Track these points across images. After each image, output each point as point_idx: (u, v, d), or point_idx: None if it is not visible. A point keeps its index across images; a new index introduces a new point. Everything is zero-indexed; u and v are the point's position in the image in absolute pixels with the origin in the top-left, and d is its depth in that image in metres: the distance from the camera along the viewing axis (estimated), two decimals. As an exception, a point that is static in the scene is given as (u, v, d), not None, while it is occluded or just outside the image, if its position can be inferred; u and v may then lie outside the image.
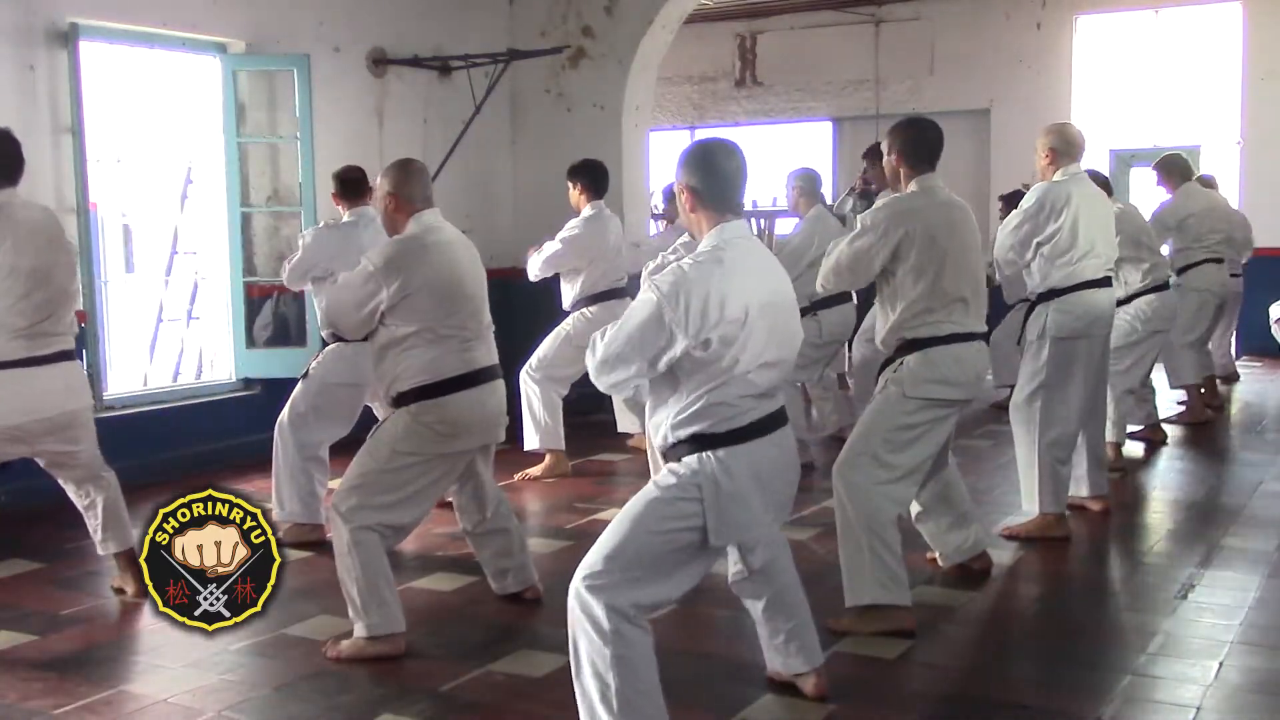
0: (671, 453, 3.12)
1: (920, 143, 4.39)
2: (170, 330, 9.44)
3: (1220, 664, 3.90)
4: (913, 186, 4.36)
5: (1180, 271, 7.89)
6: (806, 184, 7.06)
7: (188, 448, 6.81)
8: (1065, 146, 5.35)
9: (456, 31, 8.65)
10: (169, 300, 9.50)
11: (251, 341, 7.39)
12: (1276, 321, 9.80)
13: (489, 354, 4.32)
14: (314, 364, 5.49)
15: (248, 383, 7.41)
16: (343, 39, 7.90)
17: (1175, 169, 7.96)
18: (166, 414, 6.97)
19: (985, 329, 4.46)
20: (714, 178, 3.11)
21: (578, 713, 3.05)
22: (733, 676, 3.83)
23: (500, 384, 4.36)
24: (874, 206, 4.49)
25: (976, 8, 12.46)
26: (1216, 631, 4.21)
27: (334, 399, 5.37)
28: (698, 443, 3.06)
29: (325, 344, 5.53)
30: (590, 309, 6.72)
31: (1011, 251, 5.37)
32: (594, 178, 6.78)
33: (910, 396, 4.23)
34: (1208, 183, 8.91)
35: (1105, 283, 5.43)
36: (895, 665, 3.95)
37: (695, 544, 3.07)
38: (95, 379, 6.55)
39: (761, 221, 12.86)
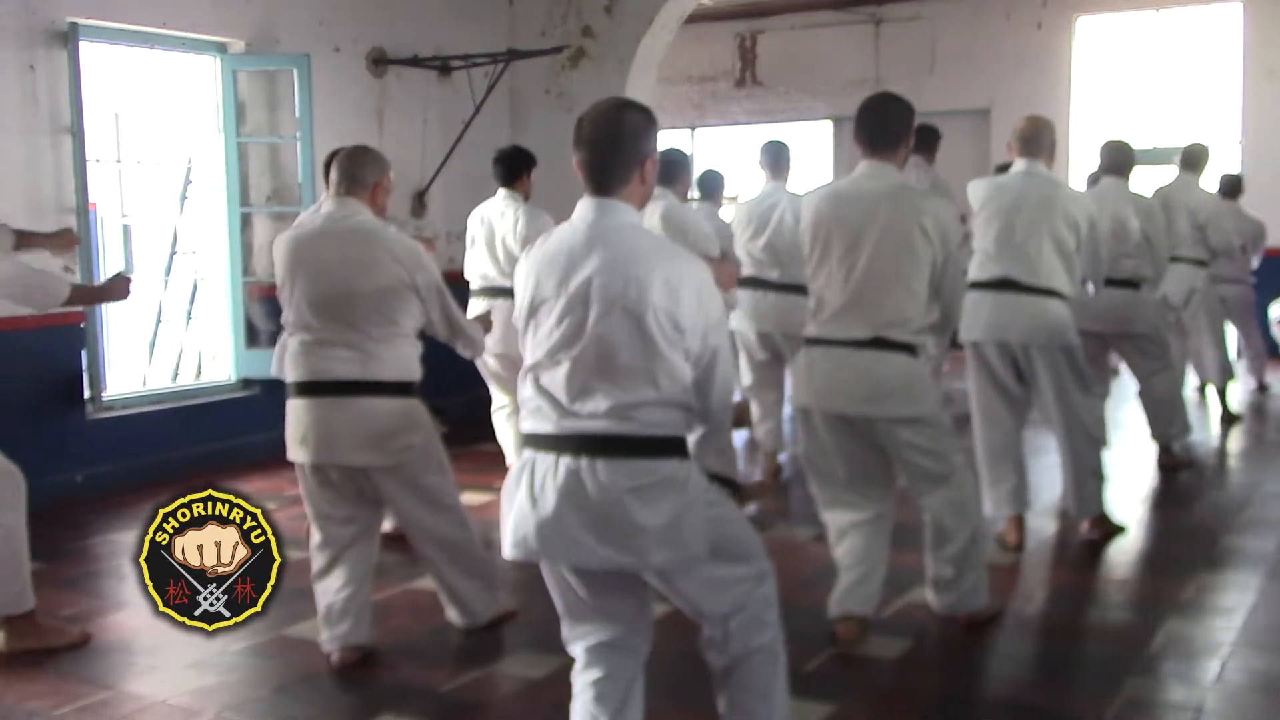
0: None
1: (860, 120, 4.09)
2: (170, 330, 9.43)
3: (1222, 664, 3.90)
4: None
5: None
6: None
7: (188, 448, 6.81)
8: None
9: (456, 31, 8.65)
10: (169, 300, 9.49)
11: (251, 341, 7.39)
12: (1277, 322, 9.77)
13: (346, 365, 3.74)
14: None
15: (247, 383, 7.41)
16: (343, 39, 7.90)
17: (1185, 158, 7.58)
18: (166, 414, 6.96)
19: None
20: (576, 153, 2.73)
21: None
22: (733, 677, 3.81)
23: (349, 402, 3.76)
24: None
25: (976, 8, 12.47)
26: (1217, 632, 4.21)
27: None
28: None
29: None
30: None
31: None
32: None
33: None
34: (1232, 184, 8.61)
35: (1001, 285, 4.88)
36: (895, 665, 3.95)
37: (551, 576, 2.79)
38: (95, 379, 6.57)
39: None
